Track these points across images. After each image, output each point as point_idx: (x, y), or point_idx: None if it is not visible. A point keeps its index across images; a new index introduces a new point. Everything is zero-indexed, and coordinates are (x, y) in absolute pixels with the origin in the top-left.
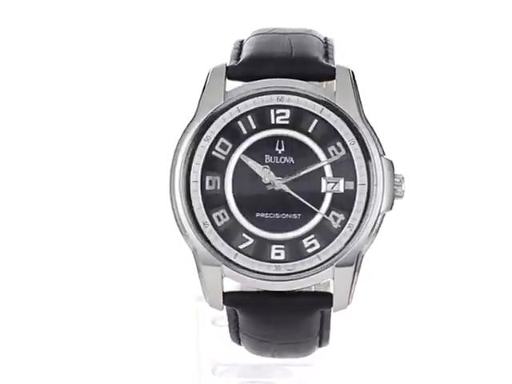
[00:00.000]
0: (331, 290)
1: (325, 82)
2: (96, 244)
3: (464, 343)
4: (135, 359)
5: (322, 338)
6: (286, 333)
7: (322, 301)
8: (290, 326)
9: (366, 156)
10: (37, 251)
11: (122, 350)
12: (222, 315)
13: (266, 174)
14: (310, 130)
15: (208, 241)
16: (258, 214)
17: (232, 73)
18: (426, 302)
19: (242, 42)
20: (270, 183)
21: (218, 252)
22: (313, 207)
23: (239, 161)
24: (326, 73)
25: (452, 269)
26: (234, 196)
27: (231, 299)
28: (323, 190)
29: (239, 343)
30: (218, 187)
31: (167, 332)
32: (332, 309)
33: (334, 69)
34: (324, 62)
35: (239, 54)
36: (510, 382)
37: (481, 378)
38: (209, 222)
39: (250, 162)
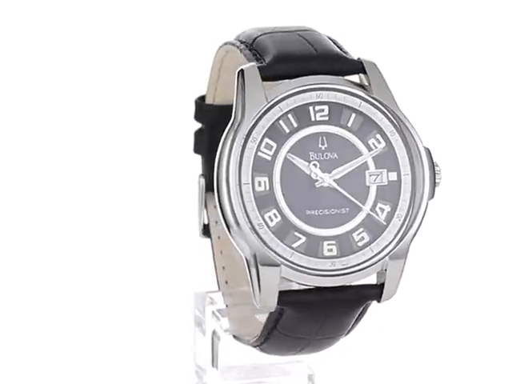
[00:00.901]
0: (374, 281)
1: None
2: (95, 242)
3: (465, 345)
4: (131, 359)
5: (350, 330)
6: (330, 328)
7: (372, 293)
8: (337, 320)
9: (407, 146)
10: (36, 250)
11: (117, 350)
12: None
13: (313, 171)
14: (349, 125)
15: (264, 242)
16: (308, 212)
17: (264, 73)
18: (426, 302)
19: (249, 43)
20: (317, 180)
21: (275, 252)
22: (358, 203)
23: (285, 160)
24: (354, 67)
25: (453, 270)
26: (283, 195)
27: (285, 298)
28: (367, 184)
29: (260, 344)
30: (268, 188)
31: (164, 332)
32: (379, 300)
33: (361, 63)
34: (348, 56)
35: (255, 54)
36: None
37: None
38: (263, 223)
39: (296, 160)
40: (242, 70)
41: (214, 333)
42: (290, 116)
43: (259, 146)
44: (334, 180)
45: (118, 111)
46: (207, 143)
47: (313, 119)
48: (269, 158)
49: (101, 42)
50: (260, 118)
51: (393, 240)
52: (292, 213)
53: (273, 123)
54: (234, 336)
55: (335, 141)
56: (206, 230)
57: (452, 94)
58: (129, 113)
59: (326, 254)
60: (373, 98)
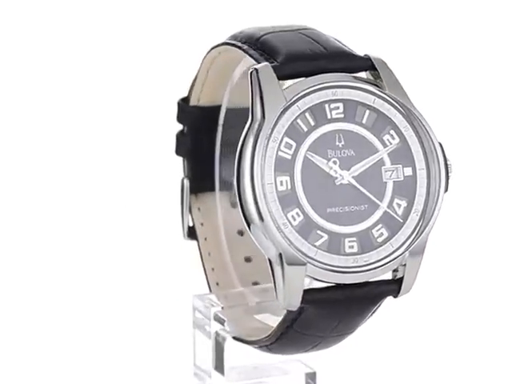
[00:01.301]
0: (389, 277)
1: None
2: (94, 243)
3: (466, 343)
4: (130, 360)
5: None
6: (346, 324)
7: (390, 288)
8: (354, 317)
9: (421, 141)
10: (36, 250)
11: (116, 351)
12: None
13: (332, 169)
14: (364, 121)
15: (290, 241)
16: (329, 210)
17: (278, 73)
18: (426, 300)
19: (252, 43)
20: (337, 177)
21: (301, 251)
22: (375, 199)
23: (305, 158)
24: (364, 64)
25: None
26: (304, 194)
27: (308, 297)
28: (384, 180)
29: (269, 344)
30: (289, 187)
31: (163, 333)
32: (396, 296)
33: (370, 60)
34: (356, 54)
35: (263, 54)
36: None
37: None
38: (287, 223)
39: (316, 159)
40: (256, 70)
41: (217, 335)
42: (307, 115)
43: (280, 145)
44: (353, 177)
45: (98, 112)
46: (190, 145)
47: (329, 117)
48: (289, 158)
49: (99, 40)
50: (280, 117)
51: (411, 235)
52: (314, 211)
53: (292, 122)
54: (235, 337)
55: (351, 138)
56: (191, 233)
57: (449, 91)
58: (108, 114)
59: (348, 251)
60: (386, 94)
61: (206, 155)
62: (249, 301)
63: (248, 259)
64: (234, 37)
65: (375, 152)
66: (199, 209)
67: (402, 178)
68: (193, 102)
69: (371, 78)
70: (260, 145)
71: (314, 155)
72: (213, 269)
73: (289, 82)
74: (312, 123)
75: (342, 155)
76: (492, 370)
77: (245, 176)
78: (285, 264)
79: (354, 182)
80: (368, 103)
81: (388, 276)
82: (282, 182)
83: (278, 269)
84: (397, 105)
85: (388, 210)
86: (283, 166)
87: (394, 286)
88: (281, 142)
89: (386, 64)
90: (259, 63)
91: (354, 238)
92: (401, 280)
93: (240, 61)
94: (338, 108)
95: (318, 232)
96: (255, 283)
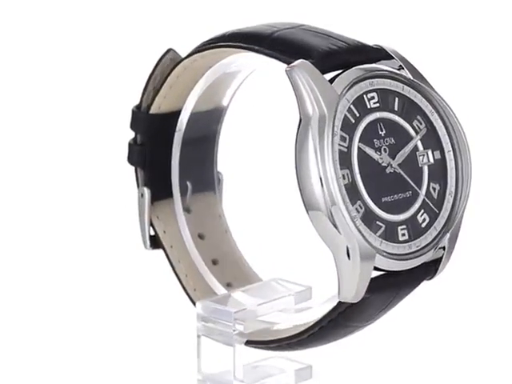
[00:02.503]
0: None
1: None
2: (95, 245)
3: (466, 347)
4: (134, 363)
5: None
6: (385, 312)
7: (430, 270)
8: (396, 303)
9: (445, 124)
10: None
11: (119, 355)
12: None
13: (382, 158)
14: (396, 108)
15: (362, 233)
16: (383, 199)
17: (319, 68)
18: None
19: (264, 42)
20: (386, 166)
21: (369, 243)
22: (416, 185)
23: (359, 150)
24: (381, 55)
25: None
26: (363, 185)
27: (372, 287)
28: (420, 165)
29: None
30: (350, 180)
31: (165, 335)
32: (432, 277)
33: (384, 50)
34: (371, 45)
35: (284, 51)
36: None
37: None
38: (356, 215)
39: (367, 149)
40: (297, 67)
41: (232, 340)
42: (352, 106)
43: (339, 139)
44: (398, 165)
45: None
46: (149, 154)
47: (368, 107)
48: (345, 150)
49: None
50: (335, 111)
51: (449, 216)
52: (372, 202)
53: (344, 115)
54: (249, 341)
55: (390, 126)
56: (153, 242)
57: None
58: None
59: (401, 238)
60: (412, 81)
61: (163, 163)
62: None
63: (215, 262)
64: (221, 37)
65: (411, 138)
66: (158, 217)
67: (433, 162)
68: (154, 109)
69: (396, 67)
70: (327, 139)
71: (365, 146)
72: (186, 275)
73: (328, 77)
74: (357, 114)
75: (386, 144)
76: (491, 370)
77: (311, 170)
78: (358, 257)
79: (399, 170)
80: (398, 91)
81: (429, 258)
82: (344, 175)
83: (346, 262)
84: (422, 90)
85: (427, 195)
86: (343, 160)
87: (432, 268)
88: (338, 135)
89: (399, 53)
90: (284, 62)
91: (405, 226)
92: (439, 261)
93: (207, 70)
94: (373, 98)
95: (378, 222)
96: (229, 284)
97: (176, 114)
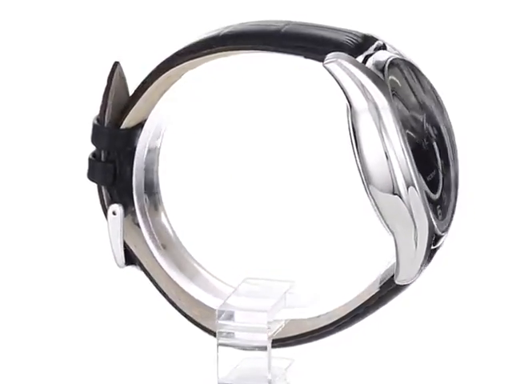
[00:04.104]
0: None
1: None
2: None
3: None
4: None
5: None
6: None
7: None
8: None
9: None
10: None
11: (133, 362)
12: None
13: (421, 137)
14: (415, 85)
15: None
16: (427, 179)
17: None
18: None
19: (273, 39)
20: (422, 144)
21: (433, 225)
22: (439, 163)
23: (404, 131)
24: (375, 41)
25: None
26: (416, 168)
27: None
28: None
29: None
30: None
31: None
32: None
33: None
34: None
35: (300, 47)
36: None
37: None
38: (424, 198)
39: (410, 129)
40: (339, 59)
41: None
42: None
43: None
44: (430, 143)
45: None
46: (120, 171)
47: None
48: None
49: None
50: (389, 94)
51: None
52: (423, 182)
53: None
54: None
55: (420, 102)
56: (128, 258)
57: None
58: None
59: (439, 217)
60: (409, 60)
61: (129, 176)
62: None
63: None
64: (219, 40)
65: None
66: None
67: (436, 138)
68: (125, 125)
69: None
70: (396, 126)
71: (407, 126)
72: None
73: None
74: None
75: (420, 122)
76: (490, 370)
77: (383, 155)
78: (426, 242)
79: (434, 146)
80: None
81: None
82: None
83: (411, 247)
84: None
85: (442, 172)
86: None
87: None
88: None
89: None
90: (309, 58)
91: (439, 205)
92: None
93: (176, 79)
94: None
95: (430, 204)
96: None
97: (140, 126)
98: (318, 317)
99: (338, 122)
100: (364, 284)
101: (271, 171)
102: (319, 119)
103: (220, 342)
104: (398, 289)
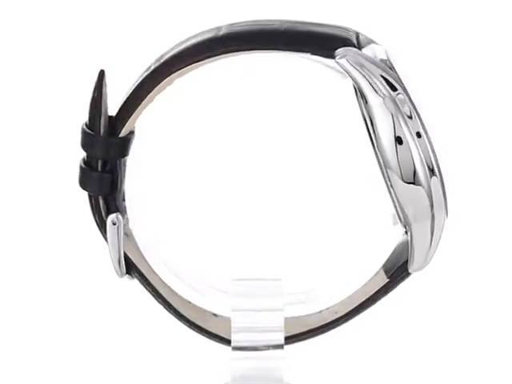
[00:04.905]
0: None
1: None
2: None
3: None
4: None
5: None
6: None
7: None
8: None
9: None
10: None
11: (141, 364)
12: None
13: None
14: None
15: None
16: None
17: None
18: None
19: (277, 38)
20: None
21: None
22: None
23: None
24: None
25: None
26: None
27: None
28: None
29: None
30: None
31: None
32: None
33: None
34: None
35: (304, 45)
36: None
37: None
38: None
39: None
40: (352, 54)
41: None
42: None
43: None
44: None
45: None
46: (119, 180)
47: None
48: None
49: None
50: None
51: None
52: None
53: None
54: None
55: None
56: (129, 267)
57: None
58: None
59: None
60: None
61: (121, 183)
62: None
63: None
64: (220, 41)
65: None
66: None
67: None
68: (124, 133)
69: None
70: (413, 109)
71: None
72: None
73: None
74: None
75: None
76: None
77: (404, 148)
78: (440, 233)
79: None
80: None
81: None
82: None
83: (427, 238)
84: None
85: None
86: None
87: None
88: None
89: None
90: (316, 54)
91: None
92: None
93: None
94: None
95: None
96: None
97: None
98: (320, 312)
99: (337, 122)
100: (366, 276)
101: (271, 171)
102: (315, 118)
103: (234, 345)
104: (407, 276)
